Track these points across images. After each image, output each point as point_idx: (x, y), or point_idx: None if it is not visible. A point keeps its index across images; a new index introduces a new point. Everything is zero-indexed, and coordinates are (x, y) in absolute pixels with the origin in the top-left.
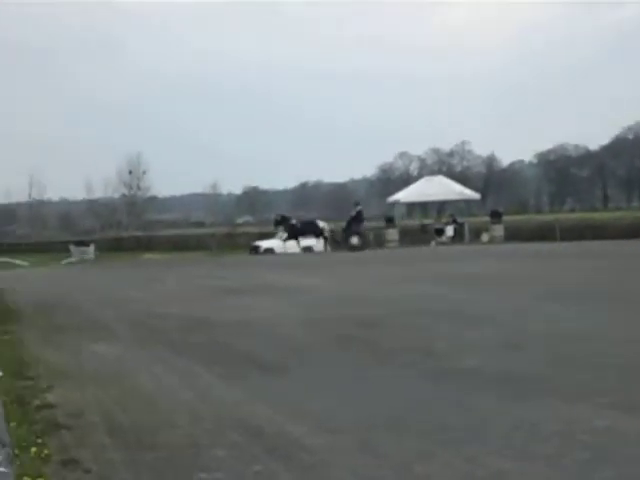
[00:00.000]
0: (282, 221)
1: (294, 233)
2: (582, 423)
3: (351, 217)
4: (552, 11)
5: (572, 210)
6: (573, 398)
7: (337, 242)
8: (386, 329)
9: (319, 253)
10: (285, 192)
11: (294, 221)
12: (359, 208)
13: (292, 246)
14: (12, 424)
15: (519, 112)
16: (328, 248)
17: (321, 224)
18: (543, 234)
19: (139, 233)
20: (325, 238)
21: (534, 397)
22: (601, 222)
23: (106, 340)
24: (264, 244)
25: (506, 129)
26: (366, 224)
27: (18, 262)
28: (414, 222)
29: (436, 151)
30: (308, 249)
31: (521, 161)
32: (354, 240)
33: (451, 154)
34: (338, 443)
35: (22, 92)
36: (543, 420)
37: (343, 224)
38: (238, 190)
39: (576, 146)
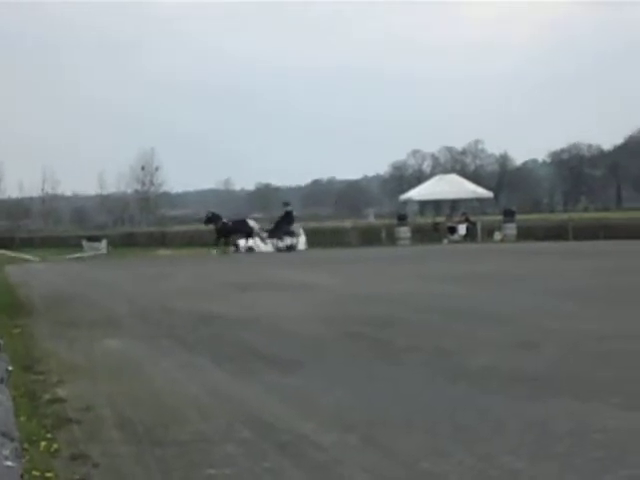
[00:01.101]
0: (213, 219)
1: (225, 232)
2: (595, 422)
3: (280, 218)
4: (566, 10)
5: (585, 209)
6: (586, 397)
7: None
8: (398, 327)
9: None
10: (298, 189)
11: (225, 220)
12: (289, 209)
13: (268, 245)
14: (22, 418)
15: (533, 111)
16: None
17: (251, 223)
18: (556, 233)
19: (151, 229)
20: (262, 238)
21: (547, 396)
22: (614, 222)
23: (117, 335)
24: (242, 243)
25: (519, 128)
26: (296, 225)
27: (30, 257)
28: (426, 220)
29: (449, 149)
30: (291, 248)
31: (534, 160)
32: (288, 241)
33: (464, 152)
34: (349, 440)
35: (36, 88)
36: (556, 419)
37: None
38: (251, 186)
39: (589, 145)
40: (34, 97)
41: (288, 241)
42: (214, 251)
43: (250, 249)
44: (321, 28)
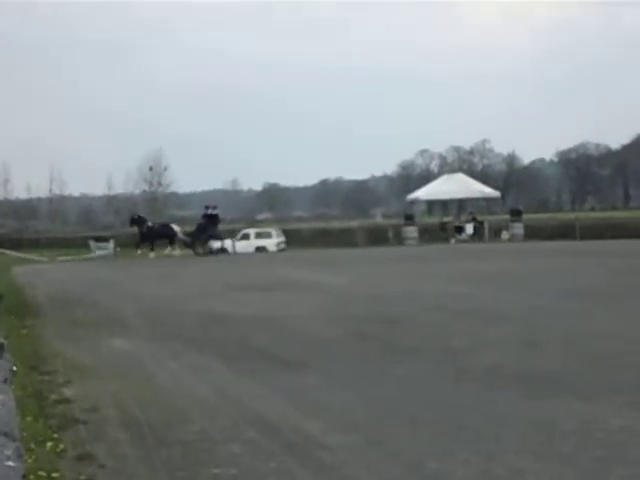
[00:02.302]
0: (138, 221)
1: (150, 235)
2: (598, 422)
3: (203, 221)
4: (574, 10)
5: (592, 209)
6: (590, 397)
7: (187, 245)
8: (405, 326)
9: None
10: (305, 189)
11: (150, 223)
12: (210, 212)
13: (244, 246)
14: (29, 418)
15: (540, 111)
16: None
17: (175, 228)
18: (563, 233)
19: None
20: (186, 243)
21: (551, 395)
22: (621, 221)
23: (124, 335)
24: (216, 244)
25: (527, 128)
26: (220, 228)
27: (38, 257)
28: (434, 220)
29: (457, 149)
30: (220, 251)
31: (542, 159)
32: (216, 244)
33: (472, 152)
34: (354, 440)
35: (42, 89)
36: (560, 418)
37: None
38: (258, 186)
39: (597, 145)
40: (41, 98)
41: (217, 244)
42: (138, 252)
43: (223, 250)
44: (326, 28)
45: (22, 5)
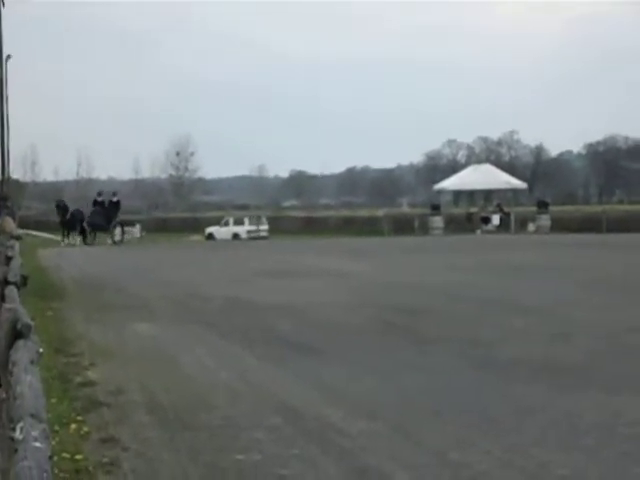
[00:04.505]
0: (60, 207)
1: (72, 221)
2: (624, 416)
3: (105, 207)
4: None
5: (621, 202)
6: (616, 390)
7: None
8: (431, 316)
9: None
10: (332, 177)
11: (72, 209)
12: (116, 199)
13: (225, 232)
14: (53, 400)
15: (569, 102)
16: None
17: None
18: (590, 225)
19: (184, 214)
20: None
21: (578, 388)
22: None
23: (149, 319)
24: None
25: (555, 119)
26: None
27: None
28: (460, 210)
29: (484, 139)
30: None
31: (570, 152)
32: (117, 233)
33: (499, 143)
34: (376, 428)
35: (72, 71)
36: (585, 411)
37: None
38: (285, 174)
39: (626, 137)
40: (70, 82)
41: (117, 234)
42: (63, 242)
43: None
44: (353, 19)
45: None
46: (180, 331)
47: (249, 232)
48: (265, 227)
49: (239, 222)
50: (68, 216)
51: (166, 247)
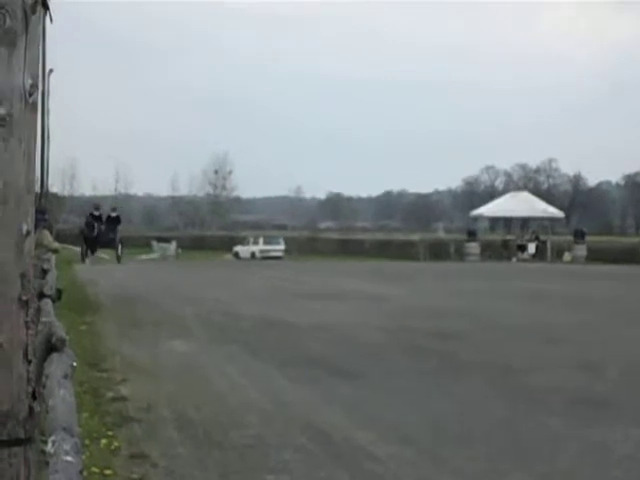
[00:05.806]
0: (94, 218)
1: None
2: None
3: (105, 221)
4: None
5: None
6: None
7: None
8: (464, 342)
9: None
10: (369, 200)
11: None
12: (115, 214)
13: (245, 251)
14: (84, 415)
15: (608, 132)
16: None
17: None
18: (626, 257)
19: (221, 233)
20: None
21: (608, 420)
22: None
23: (182, 337)
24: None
25: (594, 149)
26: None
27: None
28: (496, 237)
29: (523, 167)
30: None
31: (608, 182)
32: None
33: (537, 171)
34: (406, 454)
35: (111, 87)
36: (616, 443)
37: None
38: (322, 195)
39: None
40: (109, 97)
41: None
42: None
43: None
44: (388, 39)
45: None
46: (213, 349)
47: (262, 251)
48: (280, 247)
49: (256, 242)
50: (96, 231)
51: (200, 265)
